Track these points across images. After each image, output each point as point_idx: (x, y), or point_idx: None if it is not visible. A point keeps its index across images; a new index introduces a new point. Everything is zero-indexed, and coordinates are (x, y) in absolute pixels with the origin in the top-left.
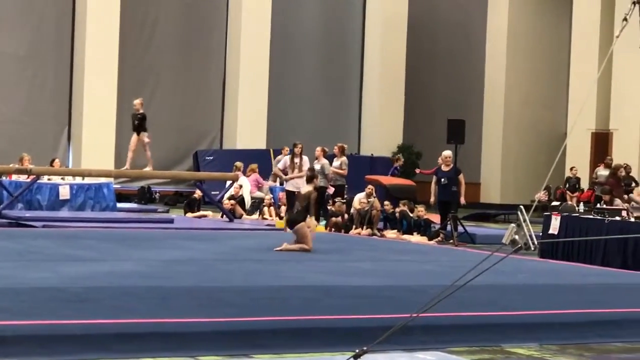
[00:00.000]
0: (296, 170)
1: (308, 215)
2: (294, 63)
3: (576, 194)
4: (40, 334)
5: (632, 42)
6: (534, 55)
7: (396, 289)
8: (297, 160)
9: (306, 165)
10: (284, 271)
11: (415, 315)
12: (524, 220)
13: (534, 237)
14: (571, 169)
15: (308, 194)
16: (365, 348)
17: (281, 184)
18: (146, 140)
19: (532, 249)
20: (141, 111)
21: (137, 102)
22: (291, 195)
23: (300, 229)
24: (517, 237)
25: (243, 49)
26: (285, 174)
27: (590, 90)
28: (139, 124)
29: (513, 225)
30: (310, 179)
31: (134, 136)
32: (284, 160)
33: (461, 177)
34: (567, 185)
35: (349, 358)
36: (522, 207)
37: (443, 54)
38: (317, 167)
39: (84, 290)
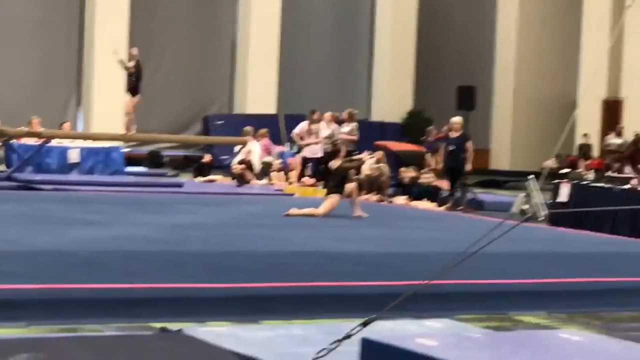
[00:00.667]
0: (312, 137)
1: (343, 187)
2: (305, 28)
3: (589, 161)
4: (49, 298)
5: None
6: (545, 23)
7: (404, 255)
8: (314, 126)
9: (323, 131)
10: (293, 237)
11: (426, 282)
12: (534, 189)
13: (543, 206)
14: (584, 135)
15: (339, 168)
16: (374, 316)
17: (298, 149)
18: (135, 101)
19: (542, 218)
20: (133, 70)
21: (129, 64)
22: (307, 162)
23: (332, 197)
24: (526, 206)
25: (254, 14)
26: (302, 140)
27: (602, 58)
28: (134, 85)
29: (522, 194)
30: (334, 154)
31: (128, 98)
32: (300, 126)
33: (469, 144)
34: (580, 152)
35: (358, 326)
36: (532, 176)
37: (454, 21)
38: (327, 132)
39: (92, 254)
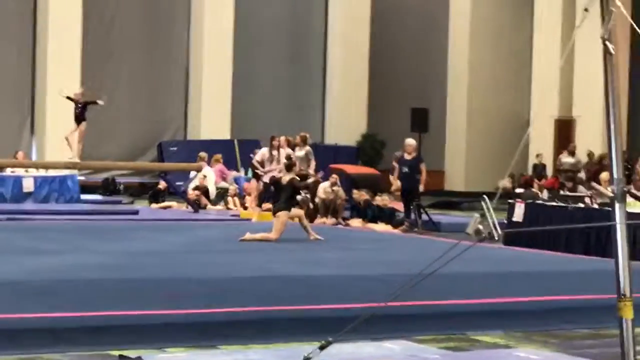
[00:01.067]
0: (274, 163)
1: (292, 205)
2: (257, 53)
3: (542, 180)
4: (5, 328)
5: (593, 30)
6: (496, 43)
7: (361, 278)
8: (275, 152)
9: (283, 158)
10: (249, 261)
11: (383, 304)
12: (488, 210)
13: (497, 226)
14: (537, 155)
15: (290, 182)
16: (331, 339)
17: (256, 176)
18: (82, 129)
19: (497, 238)
20: (82, 101)
21: (76, 92)
22: (268, 187)
23: (280, 217)
24: (481, 226)
25: (206, 40)
26: (263, 167)
27: (553, 77)
28: (80, 114)
29: (477, 215)
30: (289, 167)
31: (74, 126)
32: (261, 152)
33: (423, 165)
34: (534, 172)
35: (315, 349)
36: (485, 196)
37: (406, 43)
38: (300, 154)
39: (48, 283)
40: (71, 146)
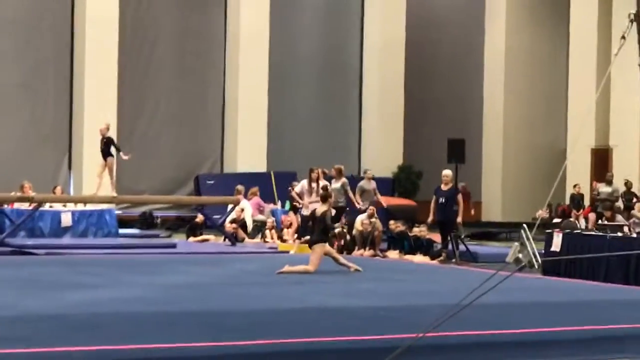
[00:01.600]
0: (313, 195)
1: (327, 237)
2: (293, 85)
3: (580, 211)
4: None
5: (630, 58)
6: (532, 73)
7: (400, 309)
8: (314, 185)
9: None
10: (287, 293)
11: (422, 335)
12: (527, 239)
13: (537, 255)
14: (574, 186)
15: (324, 214)
16: None
17: (294, 208)
18: (109, 164)
19: (536, 267)
20: (107, 136)
21: (101, 127)
22: (307, 220)
23: (315, 249)
24: (520, 255)
25: (242, 73)
26: (302, 198)
27: (589, 107)
28: (105, 149)
29: (516, 244)
30: (324, 199)
31: (101, 162)
32: (301, 184)
33: (460, 196)
34: (572, 202)
35: None
36: (525, 225)
37: (441, 74)
38: (336, 186)
39: (88, 317)
40: (97, 187)
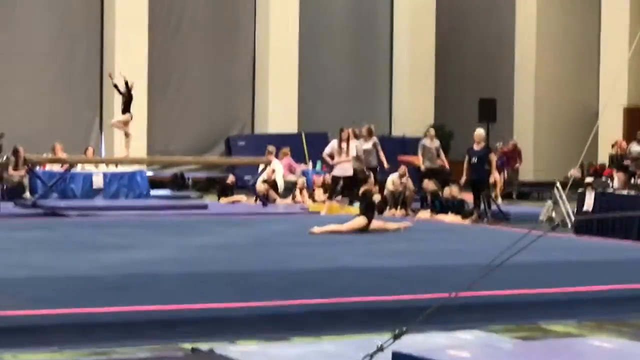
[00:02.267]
0: (343, 155)
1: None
2: (324, 46)
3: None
4: (80, 322)
5: None
6: (564, 32)
7: (431, 268)
8: (344, 145)
9: (353, 150)
10: (319, 254)
11: (455, 294)
12: (561, 198)
13: (570, 214)
14: (613, 145)
15: (364, 194)
16: (405, 328)
17: (330, 167)
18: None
19: (569, 226)
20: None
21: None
22: (337, 180)
23: (358, 220)
24: (554, 214)
25: (272, 34)
26: (332, 159)
27: (622, 66)
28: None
29: (550, 202)
30: (364, 181)
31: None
32: (330, 145)
33: (492, 155)
34: (611, 162)
35: (389, 339)
36: (558, 184)
37: (472, 33)
38: (367, 146)
39: (120, 278)
40: (128, 146)
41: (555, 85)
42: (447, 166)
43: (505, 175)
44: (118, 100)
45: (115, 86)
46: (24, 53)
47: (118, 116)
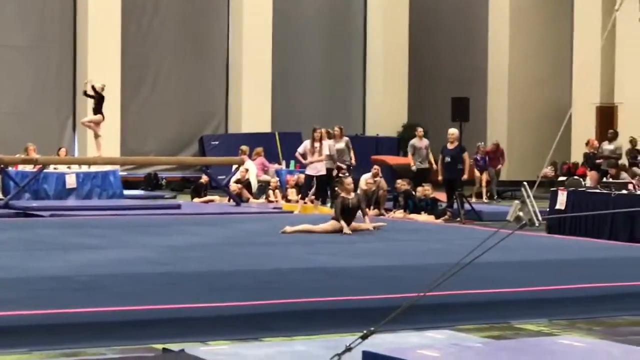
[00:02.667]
0: (316, 155)
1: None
2: (297, 46)
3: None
4: (50, 323)
5: (634, 16)
6: (537, 31)
7: (403, 268)
8: (316, 144)
9: (325, 149)
10: (291, 254)
11: (422, 294)
12: (528, 197)
13: (538, 213)
14: (587, 143)
15: (358, 202)
16: (372, 328)
17: (303, 167)
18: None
19: (537, 225)
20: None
21: (98, 85)
22: (310, 179)
23: (333, 223)
24: (521, 213)
25: (245, 33)
26: (305, 158)
27: (594, 64)
28: (98, 107)
29: (517, 201)
30: (340, 182)
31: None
32: (303, 144)
33: (465, 154)
34: (586, 161)
35: (357, 339)
36: (525, 183)
37: (446, 32)
38: (340, 145)
39: (92, 278)
40: (99, 147)
41: (529, 85)
42: (434, 166)
43: (488, 175)
44: (91, 101)
45: (85, 93)
46: (0, 46)
47: (90, 116)
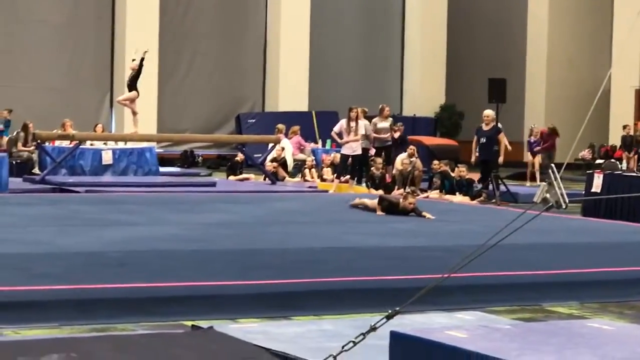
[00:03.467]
0: (352, 134)
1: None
2: (335, 26)
3: (632, 152)
4: (79, 298)
5: None
6: (576, 13)
7: (436, 249)
8: (352, 124)
9: (361, 129)
10: (325, 233)
11: (446, 275)
12: (555, 178)
13: (565, 195)
14: (624, 127)
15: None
16: (397, 309)
17: (338, 146)
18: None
19: (564, 207)
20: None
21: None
22: (346, 159)
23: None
24: (548, 195)
25: (283, 12)
26: (341, 138)
27: (634, 47)
28: (133, 83)
29: (544, 183)
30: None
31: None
32: (339, 124)
33: (501, 136)
34: (623, 144)
35: (382, 318)
36: (553, 165)
37: (484, 13)
38: (385, 124)
39: (123, 255)
40: (136, 123)
41: (567, 66)
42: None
43: (540, 158)
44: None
45: (142, 61)
46: (33, 30)
47: (126, 93)
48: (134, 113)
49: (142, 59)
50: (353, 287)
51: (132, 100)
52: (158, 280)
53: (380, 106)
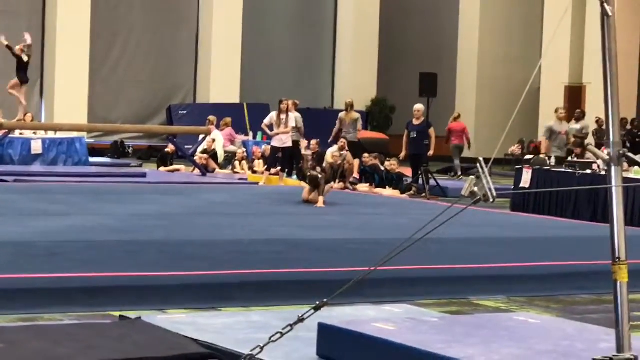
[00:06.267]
0: (282, 127)
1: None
2: (267, 17)
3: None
4: (7, 288)
5: None
6: (508, 9)
7: (364, 242)
8: (283, 116)
9: (292, 121)
10: (253, 225)
11: (373, 268)
12: (483, 172)
13: (493, 189)
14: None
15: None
16: (325, 300)
17: (269, 139)
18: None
19: (491, 200)
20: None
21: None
22: (276, 151)
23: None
24: (476, 188)
25: (216, 3)
26: (271, 130)
27: (564, 44)
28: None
29: (472, 177)
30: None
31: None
32: (270, 116)
33: (431, 130)
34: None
35: (310, 310)
36: (481, 159)
37: (417, 7)
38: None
39: (52, 245)
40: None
41: (498, 62)
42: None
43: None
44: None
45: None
46: None
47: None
48: (20, 102)
49: (12, 48)
50: (282, 279)
51: (13, 87)
52: (86, 271)
53: (347, 101)
